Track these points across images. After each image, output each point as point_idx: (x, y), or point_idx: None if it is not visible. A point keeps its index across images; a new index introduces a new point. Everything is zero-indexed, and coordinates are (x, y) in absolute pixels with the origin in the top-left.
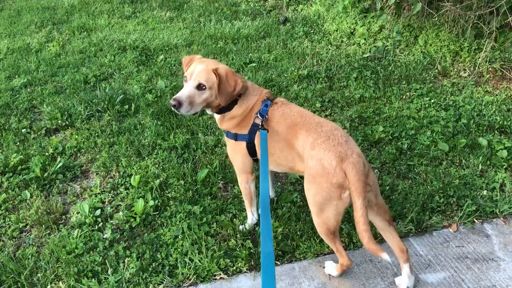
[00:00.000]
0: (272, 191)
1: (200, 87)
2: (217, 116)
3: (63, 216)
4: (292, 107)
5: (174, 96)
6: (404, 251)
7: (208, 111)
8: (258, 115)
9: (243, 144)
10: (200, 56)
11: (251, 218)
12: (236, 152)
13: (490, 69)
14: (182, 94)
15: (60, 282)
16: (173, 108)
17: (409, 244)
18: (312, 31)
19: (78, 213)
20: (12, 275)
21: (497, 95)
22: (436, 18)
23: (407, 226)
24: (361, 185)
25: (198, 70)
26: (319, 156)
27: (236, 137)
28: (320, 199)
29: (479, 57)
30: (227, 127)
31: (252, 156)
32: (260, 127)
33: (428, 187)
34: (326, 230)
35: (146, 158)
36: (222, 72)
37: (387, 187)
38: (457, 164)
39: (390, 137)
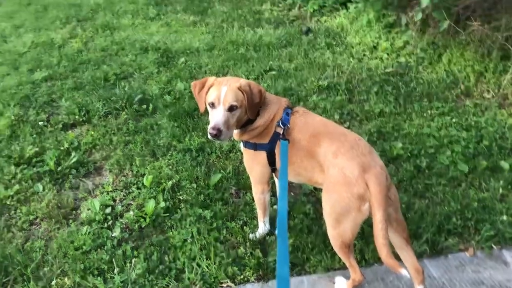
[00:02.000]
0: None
1: (232, 108)
2: (235, 131)
3: (74, 212)
4: (315, 117)
5: (211, 126)
6: (420, 272)
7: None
8: (280, 123)
9: (263, 154)
10: (214, 77)
11: (262, 227)
12: (256, 163)
13: None
14: (218, 121)
15: (66, 278)
16: (213, 138)
17: (423, 265)
18: (334, 43)
19: (88, 209)
20: (19, 267)
21: None
22: (463, 37)
23: (422, 247)
24: (383, 197)
25: (224, 93)
26: (341, 164)
27: (255, 147)
28: (338, 209)
29: (504, 79)
30: (247, 138)
31: (271, 166)
32: (281, 136)
33: (446, 208)
34: (341, 243)
35: (160, 158)
36: (247, 87)
37: (404, 205)
38: (476, 187)
39: (409, 154)
